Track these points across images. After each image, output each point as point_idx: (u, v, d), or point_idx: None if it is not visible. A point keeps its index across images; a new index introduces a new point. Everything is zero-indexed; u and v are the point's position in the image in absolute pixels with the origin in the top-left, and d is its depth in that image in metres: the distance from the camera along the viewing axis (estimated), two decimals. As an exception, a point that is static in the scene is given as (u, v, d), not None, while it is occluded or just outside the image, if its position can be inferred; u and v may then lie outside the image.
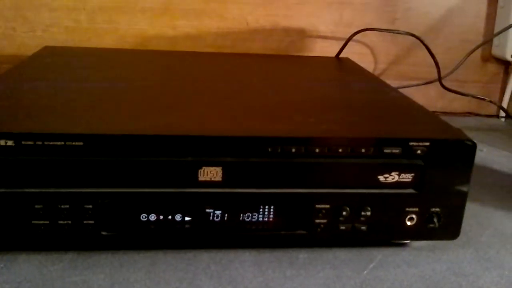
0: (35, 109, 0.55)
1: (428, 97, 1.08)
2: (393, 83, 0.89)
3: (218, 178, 0.50)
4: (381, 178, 0.51)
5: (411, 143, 0.51)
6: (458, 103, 1.12)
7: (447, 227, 0.54)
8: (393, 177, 0.52)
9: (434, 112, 0.64)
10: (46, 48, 0.89)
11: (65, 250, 0.52)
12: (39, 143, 0.47)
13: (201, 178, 0.50)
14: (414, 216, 0.53)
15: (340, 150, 0.50)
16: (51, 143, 0.47)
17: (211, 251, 0.54)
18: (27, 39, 0.98)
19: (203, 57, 0.92)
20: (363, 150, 0.50)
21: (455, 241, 0.56)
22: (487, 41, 1.08)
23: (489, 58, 1.12)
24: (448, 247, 0.57)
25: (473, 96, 1.04)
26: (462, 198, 0.53)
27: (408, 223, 0.53)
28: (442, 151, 0.52)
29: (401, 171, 0.52)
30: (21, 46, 0.98)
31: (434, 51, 0.97)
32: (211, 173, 0.50)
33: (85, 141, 0.48)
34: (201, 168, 0.49)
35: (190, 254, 0.53)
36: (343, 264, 0.53)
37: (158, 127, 0.51)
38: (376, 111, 0.63)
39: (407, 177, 0.52)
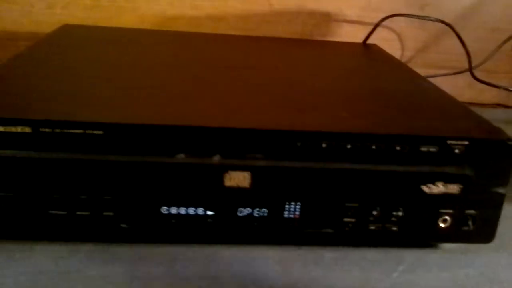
0: (53, 94, 0.53)
1: (455, 87, 1.04)
2: (420, 71, 0.85)
3: (246, 184, 0.48)
4: (424, 188, 0.49)
5: (449, 142, 0.48)
6: (487, 94, 1.07)
7: (482, 230, 0.52)
8: (439, 187, 0.49)
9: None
10: (64, 26, 0.86)
11: (83, 241, 0.50)
12: (57, 130, 0.45)
13: (227, 183, 0.48)
14: (448, 218, 0.51)
15: (373, 147, 0.48)
16: (70, 131, 0.45)
17: (233, 247, 0.52)
18: (46, 16, 0.95)
19: (225, 39, 0.89)
20: (398, 148, 0.48)
21: (488, 244, 0.53)
22: (520, 31, 1.04)
23: (521, 48, 1.07)
24: (481, 250, 0.54)
25: (505, 88, 1.00)
26: (499, 201, 0.51)
27: (442, 225, 0.51)
28: (481, 151, 0.49)
29: (446, 181, 0.49)
30: (39, 23, 0.95)
31: (463, 40, 0.93)
32: (239, 178, 0.47)
33: (105, 130, 0.45)
34: (227, 172, 0.47)
35: (212, 250, 0.51)
36: (372, 266, 0.51)
37: (181, 118, 0.49)
38: (409, 105, 0.59)
39: (453, 189, 0.49)
